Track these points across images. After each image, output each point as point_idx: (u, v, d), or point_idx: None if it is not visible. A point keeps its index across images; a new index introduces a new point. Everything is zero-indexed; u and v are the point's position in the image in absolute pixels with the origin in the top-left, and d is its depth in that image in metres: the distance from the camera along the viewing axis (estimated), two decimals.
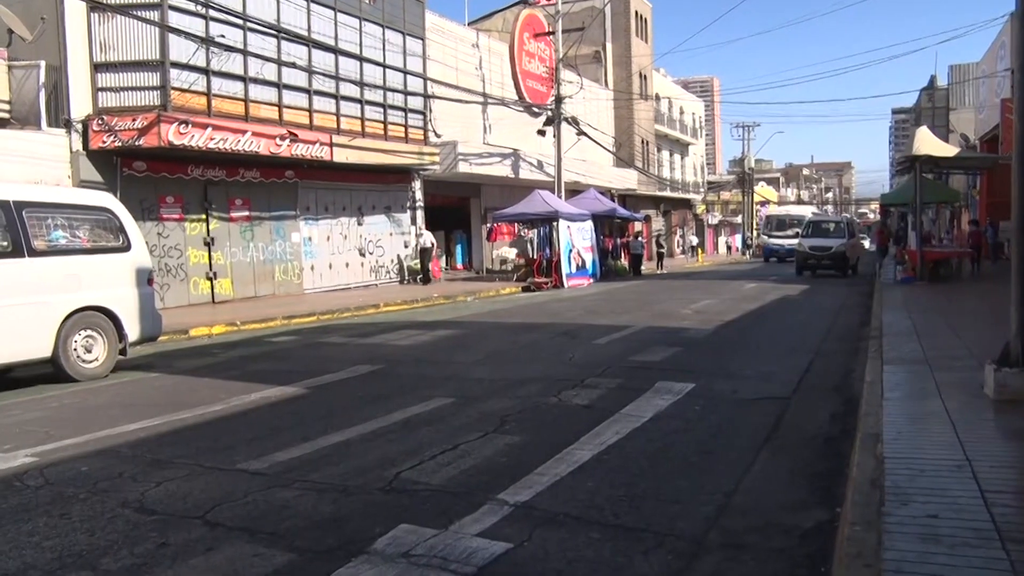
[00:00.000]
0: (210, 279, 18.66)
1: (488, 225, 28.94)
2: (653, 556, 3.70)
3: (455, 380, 8.36)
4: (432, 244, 24.69)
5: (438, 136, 25.15)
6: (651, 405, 6.82)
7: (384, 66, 22.58)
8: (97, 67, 16.32)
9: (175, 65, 16.53)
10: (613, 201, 34.71)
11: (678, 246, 53.74)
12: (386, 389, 7.97)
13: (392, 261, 24.92)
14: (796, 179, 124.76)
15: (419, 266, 24.78)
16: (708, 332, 12.03)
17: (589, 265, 26.30)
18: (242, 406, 7.36)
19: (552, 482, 4.76)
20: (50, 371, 9.12)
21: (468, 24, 32.65)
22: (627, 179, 40.55)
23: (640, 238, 35.30)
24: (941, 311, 12.78)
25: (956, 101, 48.71)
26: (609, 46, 43.34)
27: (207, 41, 17.00)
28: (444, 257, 28.96)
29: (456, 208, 30.18)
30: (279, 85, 19.05)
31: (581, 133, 30.72)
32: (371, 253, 23.98)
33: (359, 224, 23.54)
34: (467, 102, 26.92)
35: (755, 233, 58.48)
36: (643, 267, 32.99)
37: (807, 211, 49.49)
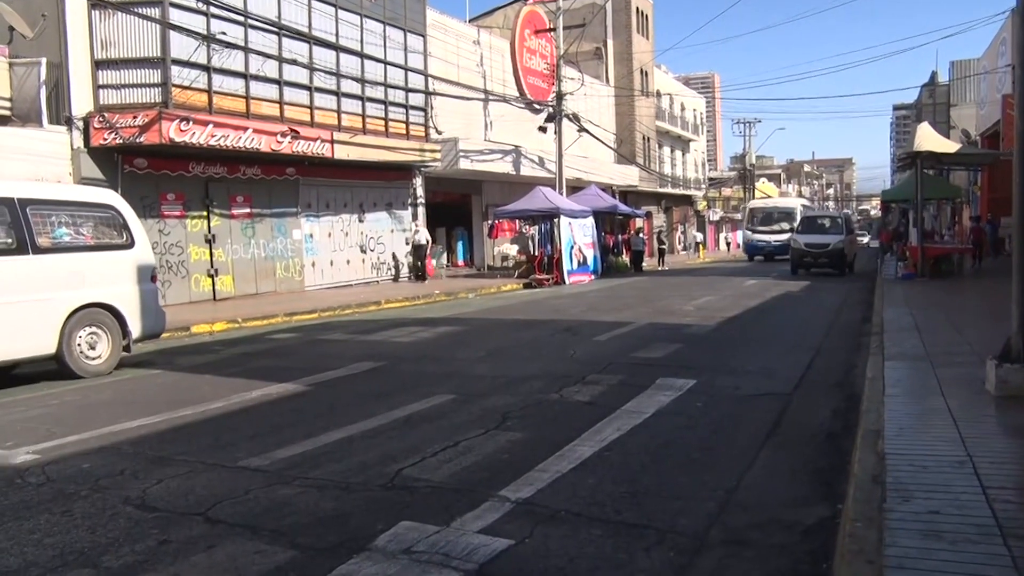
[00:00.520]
0: (211, 276, 18.66)
1: (489, 222, 28.93)
2: (655, 552, 3.69)
3: (456, 377, 8.36)
4: (427, 241, 24.51)
5: (439, 133, 25.12)
6: (653, 401, 6.81)
7: (385, 63, 22.56)
8: (98, 64, 16.31)
9: (176, 62, 16.52)
10: (614, 198, 34.72)
11: (679, 242, 53.71)
12: (387, 386, 7.97)
13: (392, 258, 24.88)
14: (797, 175, 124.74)
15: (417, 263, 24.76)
16: (709, 328, 12.02)
17: (590, 261, 26.29)
18: (243, 403, 7.36)
19: (554, 479, 4.76)
20: (54, 368, 9.13)
21: (469, 21, 32.61)
22: (628, 175, 40.53)
23: (641, 234, 35.27)
24: (942, 307, 12.77)
25: (957, 97, 48.67)
26: (610, 42, 43.29)
27: (208, 38, 16.99)
28: (446, 254, 28.92)
29: (457, 205, 30.17)
30: (280, 82, 19.03)
31: (582, 130, 30.71)
32: (372, 250, 23.98)
33: (360, 221, 23.54)
34: (468, 99, 26.90)
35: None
36: (644, 263, 32.98)
37: (796, 203, 44.20)
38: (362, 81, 21.70)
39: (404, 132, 23.50)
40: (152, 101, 16.35)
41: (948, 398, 5.90)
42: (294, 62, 19.26)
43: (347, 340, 12.00)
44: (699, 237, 52.27)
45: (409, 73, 23.63)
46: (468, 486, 4.67)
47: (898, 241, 23.87)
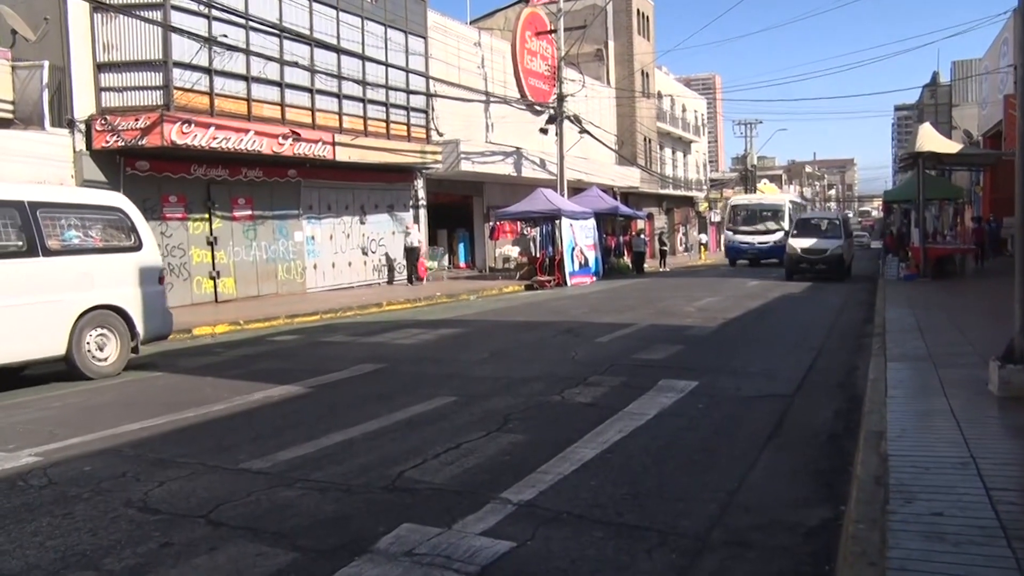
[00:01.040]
0: (213, 278, 18.67)
1: (491, 223, 28.92)
2: (657, 554, 3.69)
3: (458, 379, 8.36)
4: (419, 244, 24.18)
5: (440, 135, 25.12)
6: (654, 403, 6.81)
7: (386, 65, 22.57)
8: (100, 67, 16.33)
9: (178, 65, 16.54)
10: (616, 199, 34.71)
11: (680, 244, 53.68)
12: (389, 388, 7.97)
13: (386, 260, 24.67)
14: (799, 176, 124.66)
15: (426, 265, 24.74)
16: (711, 330, 12.01)
17: (592, 263, 26.28)
18: (245, 405, 7.36)
19: (555, 481, 4.75)
20: (62, 369, 9.18)
21: (470, 23, 32.62)
22: (629, 177, 40.51)
23: (643, 236, 35.27)
24: (944, 308, 12.75)
25: (959, 97, 48.67)
26: (611, 44, 43.30)
27: (210, 41, 17.01)
28: (447, 256, 28.93)
29: (459, 207, 30.17)
30: (282, 84, 19.04)
31: (583, 131, 30.70)
32: (374, 252, 23.98)
33: (362, 223, 23.54)
34: (469, 100, 26.91)
35: None
36: (646, 265, 32.97)
37: (784, 199, 38.40)
38: (363, 83, 21.71)
39: (405, 134, 23.50)
40: (154, 104, 16.37)
41: (951, 399, 5.89)
42: (295, 64, 19.27)
43: (349, 342, 12.00)
44: (704, 239, 52.11)
45: (410, 75, 23.64)
46: (470, 488, 4.67)
47: (900, 244, 23.85)
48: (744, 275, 26.37)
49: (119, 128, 15.85)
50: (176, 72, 16.50)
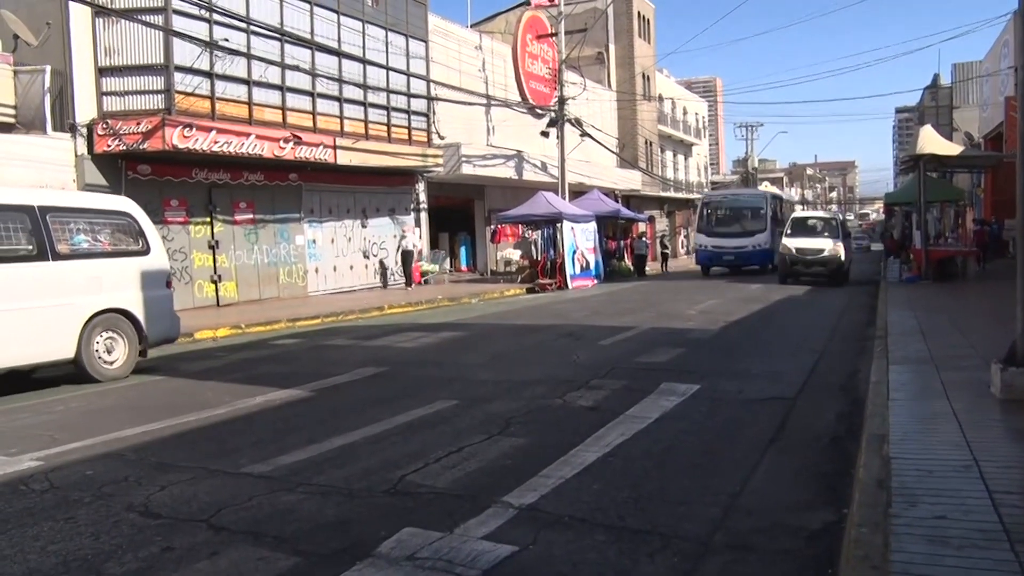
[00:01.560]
0: (215, 282, 18.68)
1: (492, 227, 28.92)
2: (659, 558, 3.68)
3: (460, 382, 8.36)
4: (414, 247, 23.90)
5: (441, 138, 25.14)
6: (656, 406, 6.80)
7: (387, 68, 22.58)
8: (102, 71, 16.36)
9: (179, 69, 16.56)
10: (617, 202, 34.69)
11: (682, 247, 53.68)
12: (391, 391, 7.96)
13: (380, 265, 24.38)
14: (800, 179, 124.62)
15: (421, 270, 24.69)
16: (713, 333, 12.00)
17: (593, 266, 26.28)
18: (246, 409, 7.36)
19: (557, 484, 4.75)
20: (71, 371, 9.22)
21: (471, 26, 32.66)
22: (631, 180, 40.51)
23: (644, 239, 35.24)
24: (946, 310, 12.74)
25: (960, 99, 48.66)
26: (612, 47, 43.33)
27: (211, 45, 17.04)
28: (449, 259, 28.92)
29: (460, 210, 30.18)
30: (283, 88, 19.06)
31: (584, 134, 30.71)
32: (375, 255, 23.97)
33: (363, 226, 23.55)
34: (470, 104, 26.92)
35: None
36: (647, 268, 32.95)
37: (765, 194, 32.67)
38: (364, 87, 21.73)
39: (406, 137, 23.52)
40: (155, 108, 16.39)
41: (953, 402, 5.88)
42: (296, 68, 19.29)
43: (350, 345, 12.00)
44: None
45: (411, 78, 23.66)
46: (471, 492, 4.66)
47: (902, 246, 23.83)
48: (744, 279, 26.02)
49: (121, 132, 15.87)
50: (177, 76, 16.52)
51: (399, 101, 23.25)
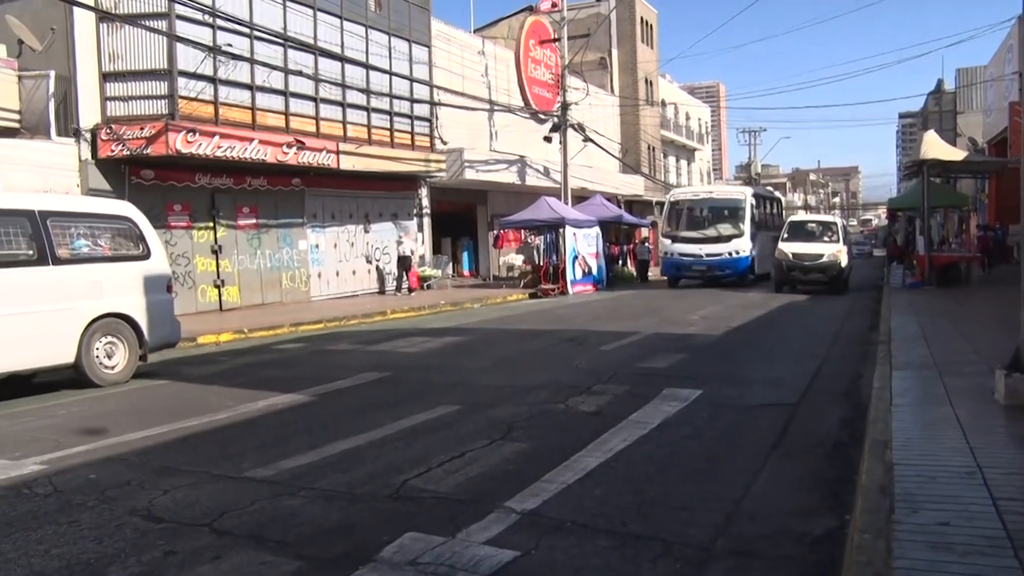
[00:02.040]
0: (217, 287, 18.70)
1: (495, 232, 28.92)
2: (661, 564, 3.68)
3: (462, 387, 8.36)
4: (411, 252, 23.59)
5: (444, 143, 25.18)
6: (658, 412, 6.80)
7: (390, 73, 22.63)
8: (105, 76, 16.42)
9: (182, 74, 16.62)
10: (620, 207, 34.71)
11: None
12: (394, 396, 7.97)
13: (377, 270, 24.16)
14: (803, 184, 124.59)
15: (423, 275, 24.68)
16: (715, 338, 12.00)
17: (595, 271, 26.26)
18: (249, 413, 7.36)
19: (559, 489, 4.74)
20: (70, 376, 9.22)
21: (474, 31, 32.72)
22: (633, 185, 40.54)
23: (647, 244, 35.23)
24: (950, 316, 12.72)
25: (964, 105, 48.64)
26: (615, 52, 43.38)
27: (214, 50, 17.09)
28: (451, 264, 28.93)
29: (463, 215, 30.20)
30: (286, 93, 19.11)
31: (587, 139, 30.73)
32: (378, 260, 23.99)
33: (366, 232, 23.58)
34: (473, 109, 26.97)
35: None
36: (650, 273, 32.94)
37: (744, 192, 26.91)
38: (367, 92, 21.77)
39: (409, 142, 23.56)
40: (159, 113, 16.45)
41: (956, 408, 5.87)
42: (300, 73, 19.34)
43: (353, 350, 12.01)
44: None
45: (414, 84, 23.70)
46: (474, 497, 4.66)
47: (905, 252, 23.77)
48: (746, 284, 25.38)
49: (124, 137, 15.92)
50: (181, 81, 16.58)
51: (402, 106, 23.29)
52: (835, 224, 23.43)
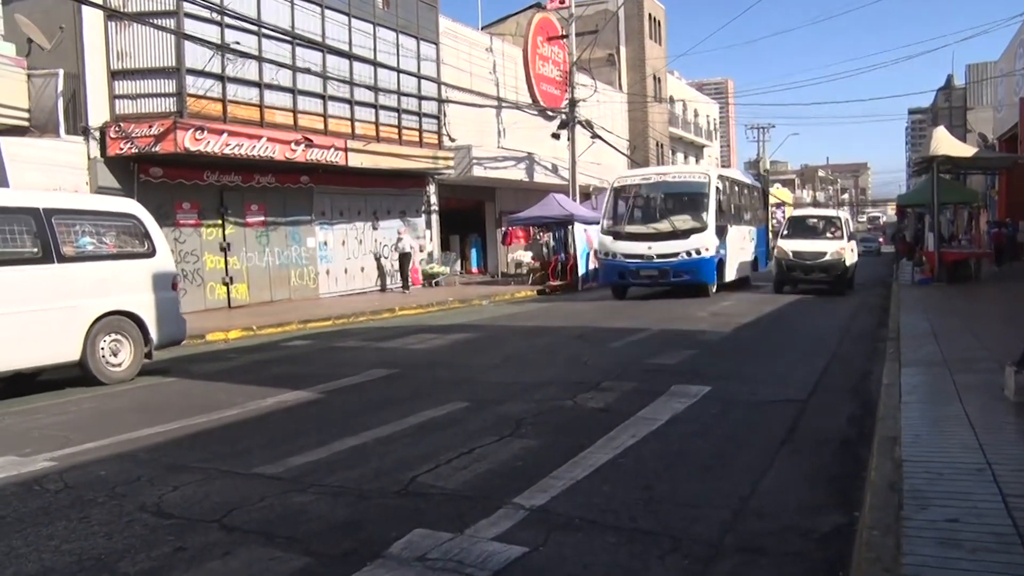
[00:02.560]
0: (226, 284, 18.77)
1: (503, 229, 28.92)
2: (669, 560, 3.68)
3: (471, 384, 8.37)
4: (412, 249, 23.32)
5: (452, 140, 25.19)
6: (667, 408, 6.79)
7: (398, 71, 22.66)
8: (114, 74, 16.49)
9: (191, 72, 16.67)
10: None
11: None
12: (402, 393, 7.98)
13: (377, 268, 23.83)
14: (812, 180, 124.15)
15: (432, 272, 24.71)
16: (724, 335, 11.97)
17: None
18: (258, 410, 7.39)
19: (568, 486, 4.75)
20: (78, 374, 9.26)
21: (482, 28, 32.72)
22: None
23: None
24: (959, 313, 12.66)
25: (974, 100, 48.33)
26: (623, 49, 43.29)
27: (222, 48, 17.14)
28: (459, 261, 28.95)
29: (471, 212, 30.24)
30: (294, 91, 19.16)
31: (595, 136, 30.67)
32: (386, 257, 24.04)
33: (374, 228, 23.62)
34: (481, 106, 26.98)
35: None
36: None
37: (708, 174, 20.83)
38: (375, 89, 21.81)
39: (417, 140, 23.58)
40: (167, 111, 16.51)
41: (966, 404, 5.84)
42: (308, 71, 19.38)
43: (361, 347, 12.03)
44: None
45: (422, 81, 23.73)
46: (482, 493, 4.67)
47: (914, 249, 23.67)
48: (757, 280, 24.93)
49: (133, 135, 15.98)
50: (189, 79, 16.64)
51: (410, 103, 23.31)
52: (838, 219, 21.55)
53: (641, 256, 18.84)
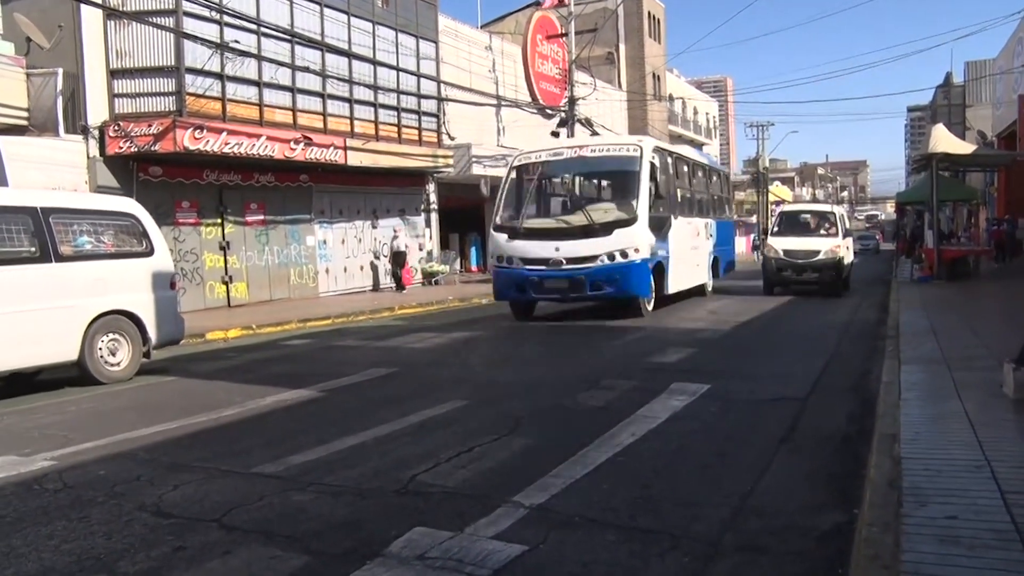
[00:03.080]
0: (226, 283, 18.77)
1: None
2: (669, 558, 3.68)
3: (470, 382, 8.37)
4: (407, 248, 23.29)
5: (452, 139, 25.18)
6: (666, 406, 6.79)
7: (397, 69, 22.65)
8: (113, 73, 16.48)
9: (190, 71, 16.66)
10: None
11: None
12: (401, 392, 7.98)
13: (372, 267, 23.94)
14: (811, 178, 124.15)
15: (431, 270, 24.69)
16: (723, 333, 11.97)
17: None
18: (257, 409, 7.39)
19: (567, 484, 4.75)
20: (76, 374, 9.25)
21: (481, 27, 32.71)
22: None
23: None
24: (959, 310, 12.67)
25: (973, 98, 48.28)
26: (622, 47, 43.29)
27: (222, 47, 17.12)
28: (459, 259, 28.94)
29: (470, 210, 30.20)
30: (293, 89, 19.15)
31: (595, 134, 30.65)
32: (385, 256, 24.04)
33: (373, 227, 23.62)
34: (481, 104, 26.95)
35: (767, 234, 56.96)
36: None
37: (640, 145, 14.07)
38: (375, 88, 21.80)
39: (417, 138, 23.57)
40: (166, 110, 16.50)
41: (965, 402, 5.85)
42: (307, 69, 19.37)
43: (361, 346, 12.03)
44: None
45: (421, 79, 23.72)
46: (482, 492, 4.67)
47: (913, 246, 23.67)
48: (756, 279, 25.36)
49: (132, 134, 15.97)
50: (188, 78, 16.63)
51: (409, 102, 23.31)
52: (833, 215, 19.86)
53: (546, 261, 13.49)
